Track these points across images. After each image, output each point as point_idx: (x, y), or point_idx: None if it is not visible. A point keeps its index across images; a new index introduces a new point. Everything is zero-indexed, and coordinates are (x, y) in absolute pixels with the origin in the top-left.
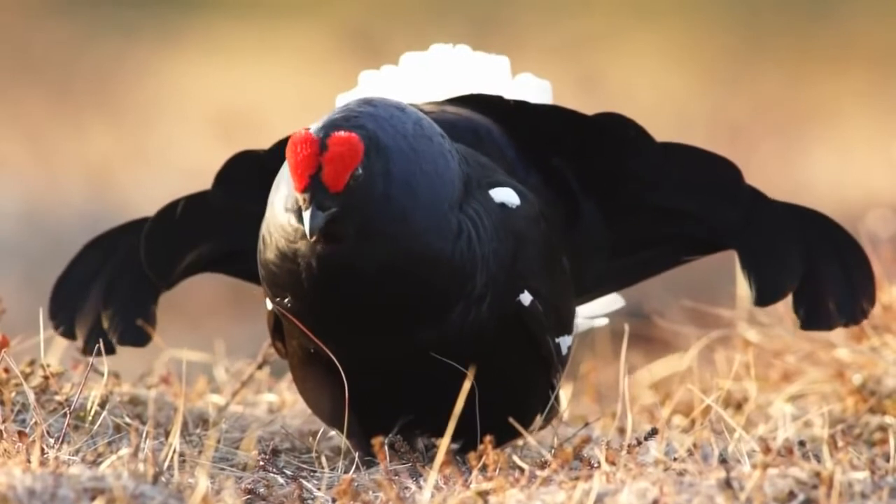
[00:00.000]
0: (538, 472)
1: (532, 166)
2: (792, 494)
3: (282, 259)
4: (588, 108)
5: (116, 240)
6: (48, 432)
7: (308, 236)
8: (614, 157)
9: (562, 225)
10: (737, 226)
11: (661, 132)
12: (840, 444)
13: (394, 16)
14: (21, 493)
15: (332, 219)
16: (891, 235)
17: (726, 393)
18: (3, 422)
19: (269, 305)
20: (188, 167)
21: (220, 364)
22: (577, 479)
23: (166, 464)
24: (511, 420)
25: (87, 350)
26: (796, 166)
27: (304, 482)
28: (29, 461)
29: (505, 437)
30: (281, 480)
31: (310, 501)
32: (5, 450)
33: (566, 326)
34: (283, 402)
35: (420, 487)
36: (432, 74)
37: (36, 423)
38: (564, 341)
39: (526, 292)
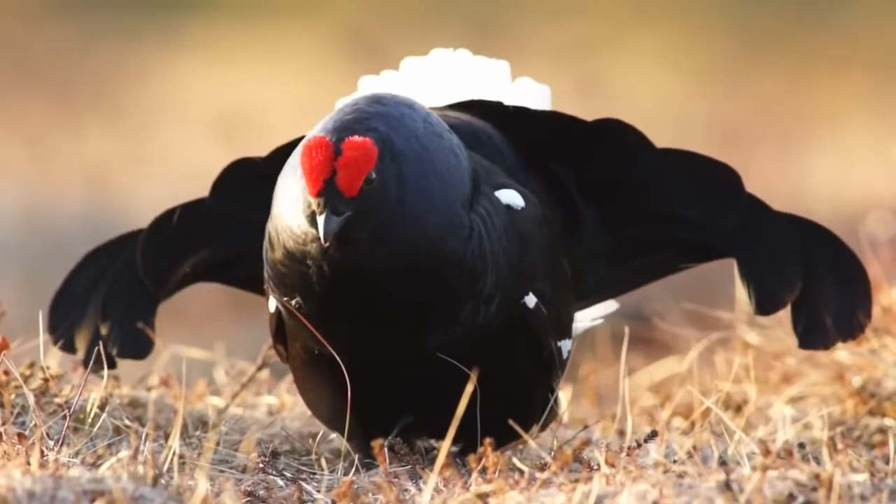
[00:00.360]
0: (538, 475)
1: (532, 171)
2: (791, 497)
3: (291, 260)
4: (587, 111)
5: (114, 251)
6: (48, 434)
7: (323, 241)
8: (614, 163)
9: (561, 230)
10: (736, 233)
11: (661, 136)
12: (840, 446)
13: (394, 19)
14: (21, 496)
15: (347, 223)
16: (890, 238)
17: (726, 395)
18: (3, 424)
19: (272, 308)
20: (188, 170)
21: (219, 366)
22: (576, 481)
23: (166, 466)
24: (511, 423)
25: (87, 363)
26: (796, 169)
27: (303, 484)
28: (29, 463)
29: (505, 439)
30: (280, 483)
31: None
32: (5, 452)
33: (567, 330)
34: (282, 404)
35: (420, 490)
36: (432, 79)
37: (36, 425)
38: (565, 345)
39: (531, 294)
